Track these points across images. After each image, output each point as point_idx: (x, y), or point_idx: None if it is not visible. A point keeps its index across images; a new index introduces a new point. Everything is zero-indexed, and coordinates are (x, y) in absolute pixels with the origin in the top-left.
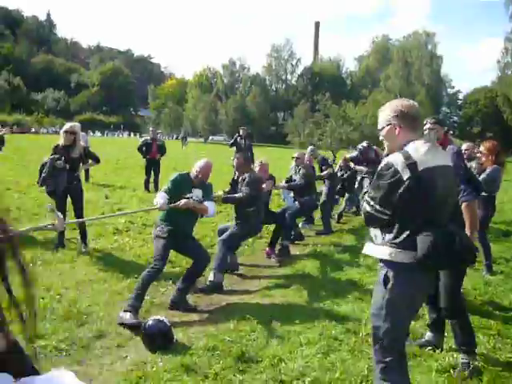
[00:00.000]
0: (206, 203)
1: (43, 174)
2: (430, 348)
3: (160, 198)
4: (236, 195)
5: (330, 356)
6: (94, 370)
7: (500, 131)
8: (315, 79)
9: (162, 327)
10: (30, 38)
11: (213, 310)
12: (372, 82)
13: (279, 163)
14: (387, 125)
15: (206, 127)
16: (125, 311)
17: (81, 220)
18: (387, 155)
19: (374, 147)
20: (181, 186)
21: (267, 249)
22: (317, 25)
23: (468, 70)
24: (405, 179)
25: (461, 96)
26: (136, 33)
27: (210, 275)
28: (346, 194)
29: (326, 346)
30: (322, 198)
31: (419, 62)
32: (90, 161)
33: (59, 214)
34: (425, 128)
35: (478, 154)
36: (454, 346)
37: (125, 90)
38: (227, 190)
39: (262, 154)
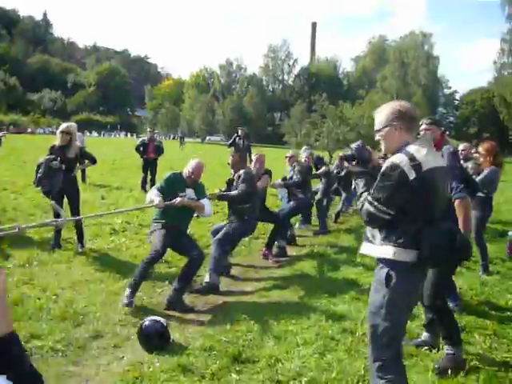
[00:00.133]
0: (202, 201)
1: (39, 175)
2: (426, 348)
3: (154, 196)
4: (231, 193)
5: (326, 356)
6: (90, 370)
7: (496, 131)
8: (312, 80)
9: (159, 327)
10: (26, 38)
11: (209, 310)
12: (369, 82)
13: (276, 163)
14: (387, 125)
15: (203, 127)
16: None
17: (79, 217)
18: (384, 156)
19: (368, 147)
20: (174, 185)
21: (264, 250)
22: (313, 25)
23: (465, 71)
24: (411, 180)
25: (457, 96)
26: (133, 33)
27: (205, 276)
28: (343, 194)
29: (322, 346)
30: (318, 196)
31: (416, 63)
32: (87, 161)
33: (62, 210)
34: (421, 129)
35: (475, 155)
36: None
37: (121, 90)
38: (224, 189)
39: None
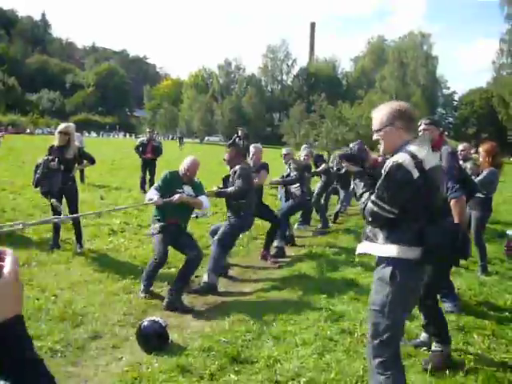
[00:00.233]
0: (200, 197)
1: (37, 175)
2: (424, 348)
3: (153, 195)
4: (228, 189)
5: (325, 356)
6: (89, 371)
7: (495, 132)
8: (311, 80)
9: (158, 328)
10: (24, 38)
11: (208, 310)
12: (367, 82)
13: (275, 164)
14: (387, 125)
15: (202, 128)
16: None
17: (80, 214)
18: (384, 155)
19: (366, 147)
20: (171, 183)
21: (262, 251)
22: (312, 25)
23: (463, 71)
24: (415, 178)
25: (456, 97)
26: (131, 33)
27: (204, 276)
28: (342, 194)
29: (321, 347)
30: (315, 195)
31: (415, 63)
32: (85, 161)
33: (61, 207)
34: (419, 129)
35: (474, 155)
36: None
37: (120, 91)
38: (221, 186)
39: None
